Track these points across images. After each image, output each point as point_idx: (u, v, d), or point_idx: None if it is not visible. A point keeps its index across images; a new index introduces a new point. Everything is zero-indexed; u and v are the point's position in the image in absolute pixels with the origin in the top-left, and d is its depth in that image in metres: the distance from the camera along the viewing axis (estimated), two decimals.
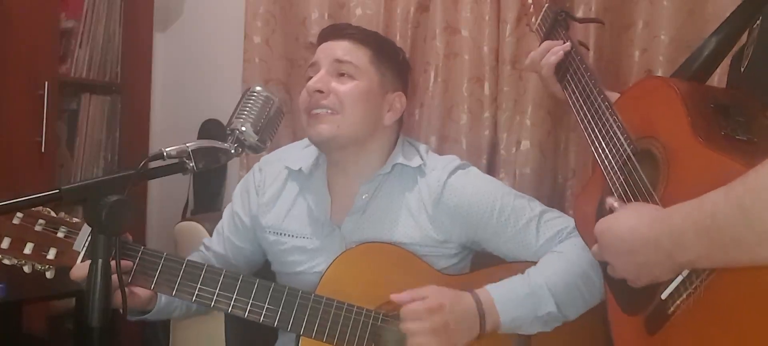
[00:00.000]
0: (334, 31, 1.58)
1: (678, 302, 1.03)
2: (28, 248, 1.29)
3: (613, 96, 1.46)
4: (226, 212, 1.67)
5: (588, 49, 1.55)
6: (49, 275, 1.32)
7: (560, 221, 1.53)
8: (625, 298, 1.18)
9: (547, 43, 1.53)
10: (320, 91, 1.49)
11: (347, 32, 1.56)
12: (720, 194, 0.88)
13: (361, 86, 1.51)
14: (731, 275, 0.93)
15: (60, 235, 1.32)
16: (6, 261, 1.28)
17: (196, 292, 1.38)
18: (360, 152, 1.55)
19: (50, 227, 1.31)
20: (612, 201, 1.17)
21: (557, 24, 1.53)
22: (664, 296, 1.05)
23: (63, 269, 1.33)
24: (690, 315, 1.01)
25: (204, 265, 1.41)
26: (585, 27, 1.85)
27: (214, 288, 1.39)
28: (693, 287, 1.00)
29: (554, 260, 1.46)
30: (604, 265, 1.16)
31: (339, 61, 1.51)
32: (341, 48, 1.53)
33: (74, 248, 1.32)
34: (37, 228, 1.30)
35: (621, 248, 1.06)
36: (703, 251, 0.91)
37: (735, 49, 1.27)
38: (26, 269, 1.30)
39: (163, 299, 1.46)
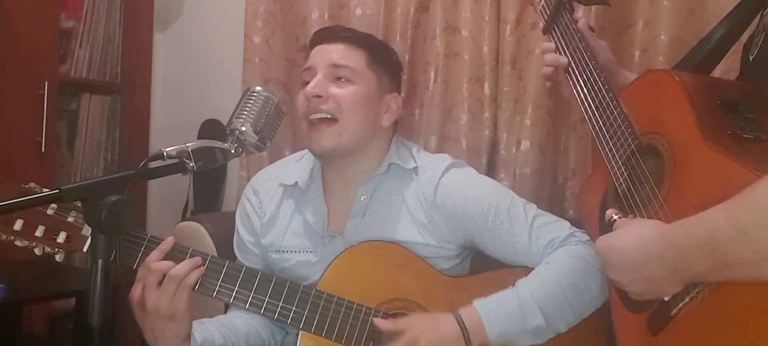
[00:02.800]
0: (328, 34, 1.56)
1: (681, 304, 1.02)
2: (40, 231, 1.31)
3: (624, 73, 1.44)
4: (236, 247, 1.65)
5: (594, 32, 1.52)
6: (58, 257, 1.34)
7: (554, 227, 1.51)
8: (628, 295, 1.17)
9: (545, 46, 1.49)
10: (318, 96, 1.48)
11: (341, 35, 1.55)
12: (719, 212, 0.87)
13: (359, 90, 1.51)
14: (734, 281, 0.93)
15: (70, 219, 1.34)
16: (18, 242, 1.30)
17: (199, 281, 1.38)
18: (360, 156, 1.55)
19: (61, 212, 1.33)
20: (611, 213, 1.16)
21: (561, 6, 1.48)
22: (666, 297, 1.05)
23: (71, 253, 1.35)
24: (693, 319, 1.00)
25: (208, 255, 1.40)
26: (585, 17, 1.84)
27: (217, 279, 1.39)
28: (696, 291, 0.99)
29: (543, 271, 1.45)
30: None
31: (336, 65, 1.50)
32: (337, 52, 1.52)
33: (83, 232, 1.33)
34: (49, 212, 1.32)
35: (628, 265, 1.05)
36: (708, 267, 0.91)
37: (746, 36, 1.25)
38: (37, 251, 1.32)
39: (198, 339, 1.40)
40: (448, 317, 1.39)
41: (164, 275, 1.32)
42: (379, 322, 1.41)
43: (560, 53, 1.44)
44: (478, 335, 1.38)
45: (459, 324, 1.38)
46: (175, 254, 1.37)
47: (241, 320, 1.52)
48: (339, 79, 1.51)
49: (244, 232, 1.63)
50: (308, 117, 1.50)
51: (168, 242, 1.36)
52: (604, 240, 1.11)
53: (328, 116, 1.49)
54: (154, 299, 1.31)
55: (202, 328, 1.42)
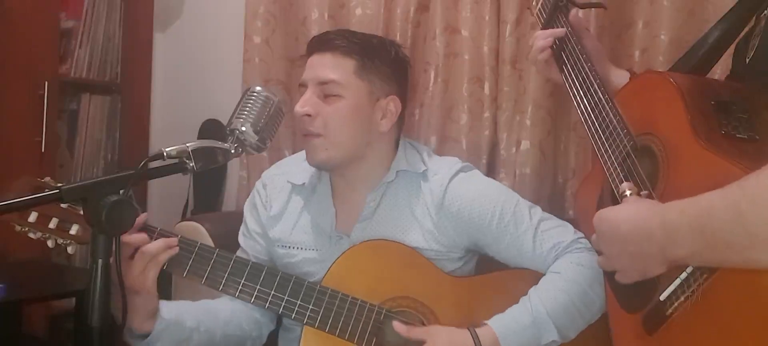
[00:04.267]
0: (318, 44, 1.55)
1: (676, 304, 1.02)
2: (53, 223, 1.32)
3: (620, 73, 1.45)
4: (241, 238, 1.66)
5: (589, 32, 1.52)
6: (70, 249, 1.35)
7: (558, 232, 1.52)
8: (624, 295, 1.18)
9: (541, 33, 1.48)
10: (308, 115, 1.49)
11: (334, 43, 1.53)
12: (716, 195, 0.88)
13: (347, 105, 1.50)
14: (729, 280, 0.93)
15: (83, 212, 1.34)
16: (31, 234, 1.32)
17: (206, 274, 1.40)
18: (360, 164, 1.55)
19: (74, 205, 1.33)
20: (625, 187, 1.15)
21: (558, 9, 1.47)
22: (662, 297, 1.05)
23: (82, 245, 1.36)
24: (688, 318, 1.01)
25: (216, 249, 1.43)
26: (586, 20, 1.85)
27: (224, 272, 1.41)
28: (690, 290, 1.00)
29: (554, 282, 1.46)
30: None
31: (322, 82, 1.50)
32: (324, 65, 1.51)
33: None
34: (63, 205, 1.33)
35: (616, 236, 1.05)
36: (696, 249, 0.91)
37: (739, 37, 1.26)
38: (50, 243, 1.33)
39: (164, 316, 1.41)
40: (463, 334, 1.39)
41: (136, 249, 1.35)
42: (398, 326, 1.42)
43: (555, 55, 1.44)
44: None
45: (474, 342, 1.38)
46: (184, 246, 1.40)
47: (226, 310, 1.54)
48: (327, 94, 1.50)
49: (251, 222, 1.64)
50: (301, 133, 1.52)
51: (142, 217, 1.37)
52: (603, 212, 1.11)
53: (317, 134, 1.50)
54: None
55: (173, 307, 1.44)
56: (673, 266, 1.00)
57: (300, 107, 1.50)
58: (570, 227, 1.54)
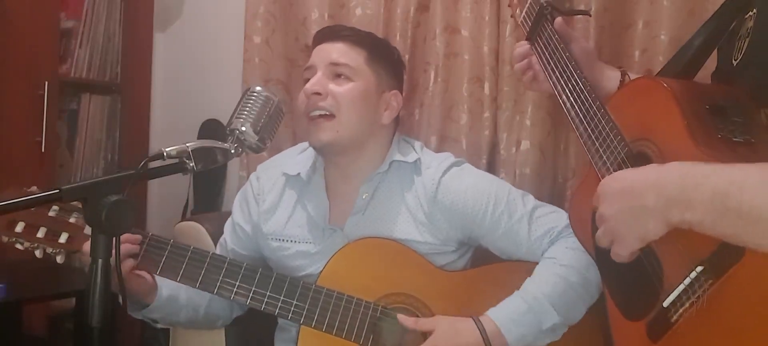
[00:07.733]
0: (329, 33, 1.59)
1: (681, 310, 1.01)
2: (41, 232, 1.32)
3: (612, 74, 1.45)
4: (227, 225, 1.69)
5: (575, 35, 1.51)
6: (59, 259, 1.35)
7: (552, 218, 1.54)
8: (626, 303, 1.17)
9: (520, 49, 1.50)
10: (318, 94, 1.51)
11: (342, 34, 1.57)
12: (752, 169, 0.86)
13: (358, 87, 1.53)
14: (736, 285, 0.93)
15: (72, 220, 1.35)
16: (19, 245, 1.32)
17: (200, 278, 1.42)
18: (360, 153, 1.57)
19: (63, 213, 1.34)
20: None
21: (543, 18, 1.45)
22: (666, 303, 1.04)
23: (72, 254, 1.37)
24: (693, 325, 1.00)
25: (209, 252, 1.44)
26: (585, 25, 1.85)
27: (218, 275, 1.43)
28: (696, 296, 0.99)
29: (549, 267, 1.47)
30: (601, 263, 1.14)
31: (335, 63, 1.53)
32: (337, 50, 1.54)
33: (85, 231, 1.34)
34: (51, 213, 1.33)
35: (619, 190, 1.02)
36: (710, 216, 0.88)
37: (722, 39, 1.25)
38: (38, 253, 1.33)
39: (164, 293, 1.47)
40: (468, 324, 1.41)
41: None
42: (402, 318, 1.44)
43: (543, 64, 1.44)
44: (497, 343, 1.40)
45: (480, 332, 1.40)
46: (175, 252, 1.41)
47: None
48: (338, 76, 1.53)
49: (239, 217, 1.66)
50: (308, 114, 1.53)
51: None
52: (620, 172, 1.10)
53: (327, 113, 1.51)
54: None
55: (168, 284, 1.48)
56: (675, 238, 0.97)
57: (310, 86, 1.52)
58: (563, 213, 1.55)
